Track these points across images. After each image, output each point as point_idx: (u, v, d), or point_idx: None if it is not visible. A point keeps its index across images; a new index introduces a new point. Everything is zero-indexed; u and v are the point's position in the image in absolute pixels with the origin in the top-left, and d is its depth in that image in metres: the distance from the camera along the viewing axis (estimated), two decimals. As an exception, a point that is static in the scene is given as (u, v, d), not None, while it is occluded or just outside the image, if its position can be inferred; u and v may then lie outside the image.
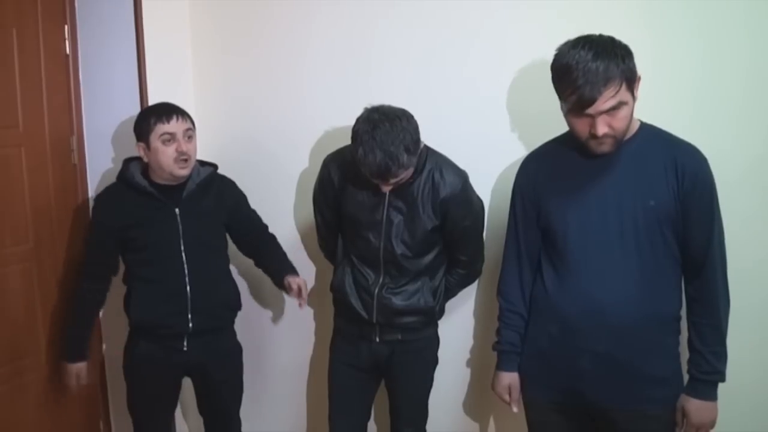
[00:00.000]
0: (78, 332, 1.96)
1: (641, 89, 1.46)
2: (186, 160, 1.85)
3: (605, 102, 1.37)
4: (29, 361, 2.02)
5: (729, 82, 1.69)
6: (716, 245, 1.49)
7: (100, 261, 1.91)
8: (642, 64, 1.44)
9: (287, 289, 2.00)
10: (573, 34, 1.45)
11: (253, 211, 2.10)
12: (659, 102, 1.66)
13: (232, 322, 2.07)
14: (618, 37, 1.43)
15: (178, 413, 2.27)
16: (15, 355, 1.97)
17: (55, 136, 2.09)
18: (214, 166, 2.01)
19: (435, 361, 1.94)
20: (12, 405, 1.97)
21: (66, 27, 2.11)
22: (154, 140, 1.82)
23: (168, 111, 1.84)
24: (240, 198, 2.07)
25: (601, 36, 1.42)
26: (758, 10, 1.64)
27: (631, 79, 1.40)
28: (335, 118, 2.08)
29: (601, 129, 1.40)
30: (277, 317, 2.33)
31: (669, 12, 1.71)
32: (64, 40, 2.11)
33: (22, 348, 1.99)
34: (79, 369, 1.93)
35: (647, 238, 1.48)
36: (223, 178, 2.04)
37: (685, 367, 1.54)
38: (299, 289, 1.97)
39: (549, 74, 1.48)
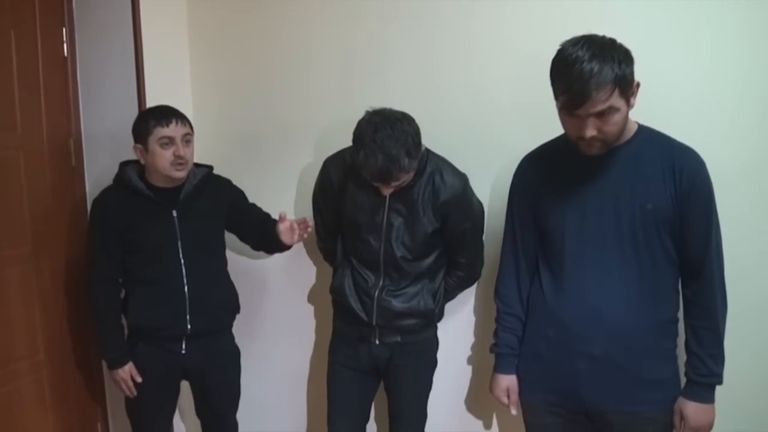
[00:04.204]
0: (110, 340, 1.90)
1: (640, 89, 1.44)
2: (183, 164, 1.85)
3: (594, 106, 1.35)
4: (27, 364, 2.01)
5: (725, 81, 1.69)
6: (714, 248, 1.49)
7: (107, 264, 1.89)
8: (638, 63, 1.42)
9: (280, 229, 1.93)
10: (572, 36, 1.43)
11: (253, 205, 2.09)
12: (656, 102, 1.65)
13: (231, 325, 2.07)
14: (616, 36, 1.41)
15: (176, 415, 2.27)
16: (13, 358, 1.97)
17: (53, 139, 2.08)
18: (210, 168, 2.01)
19: (434, 363, 1.95)
20: (10, 407, 1.96)
21: (64, 29, 2.11)
22: (152, 143, 1.82)
23: (167, 115, 1.84)
24: (237, 195, 2.06)
25: (603, 38, 1.39)
26: (756, 11, 1.65)
27: (625, 86, 1.37)
28: (334, 118, 2.09)
29: (589, 132, 1.39)
30: (277, 319, 2.33)
31: (666, 11, 1.72)
32: (62, 42, 2.11)
33: (20, 350, 1.99)
34: (125, 372, 1.89)
35: (644, 241, 1.48)
36: (219, 178, 2.04)
37: (682, 369, 1.55)
38: (290, 224, 1.93)
39: (548, 76, 1.48)
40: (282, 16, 2.15)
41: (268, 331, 2.33)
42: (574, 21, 1.51)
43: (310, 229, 1.94)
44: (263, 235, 2.03)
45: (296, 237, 1.94)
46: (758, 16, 1.65)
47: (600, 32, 1.41)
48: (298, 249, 2.23)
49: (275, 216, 2.00)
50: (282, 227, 1.93)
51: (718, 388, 1.52)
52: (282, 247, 2.00)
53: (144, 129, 1.83)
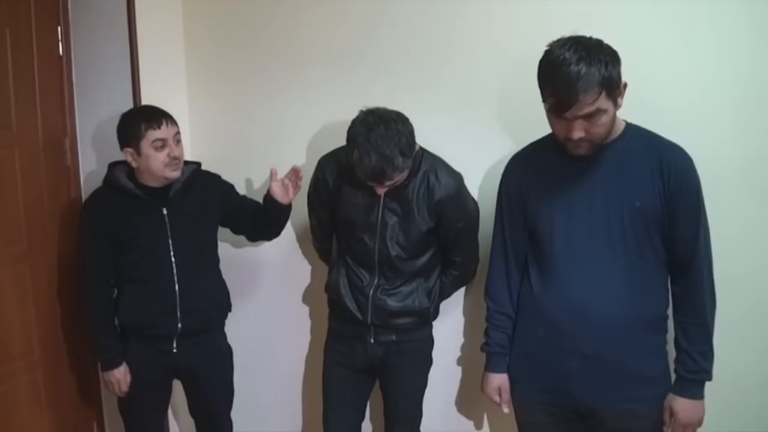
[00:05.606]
0: (104, 341, 1.90)
1: (639, 90, 1.45)
2: (177, 164, 1.86)
3: (582, 108, 1.37)
4: (22, 363, 2.01)
5: (727, 82, 1.70)
6: (702, 245, 1.50)
7: (99, 266, 1.90)
8: (640, 64, 1.43)
9: (274, 190, 1.94)
10: (563, 36, 1.44)
11: (243, 197, 2.09)
12: (657, 103, 1.67)
13: (222, 323, 2.07)
14: (616, 36, 1.42)
15: (169, 414, 2.27)
16: (8, 357, 1.96)
17: (49, 138, 2.08)
18: (198, 164, 2.01)
19: (429, 362, 1.96)
20: (5, 407, 1.95)
21: (59, 28, 2.10)
22: (146, 147, 1.82)
23: (156, 116, 1.84)
24: (227, 188, 2.06)
25: (590, 39, 1.40)
26: (758, 12, 1.65)
27: (612, 87, 1.38)
28: (329, 118, 2.10)
29: (576, 133, 1.41)
30: (272, 317, 2.33)
31: (667, 12, 1.72)
32: (58, 41, 2.10)
33: (15, 350, 1.98)
34: (120, 374, 1.90)
35: (633, 239, 1.49)
36: (207, 173, 2.04)
37: (672, 366, 1.56)
38: (281, 182, 1.93)
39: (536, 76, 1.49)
40: (277, 15, 2.16)
41: (263, 330, 2.34)
42: (568, 21, 1.51)
43: (301, 181, 1.94)
44: (258, 216, 2.03)
45: (291, 192, 1.95)
46: (762, 15, 1.65)
47: (598, 31, 1.42)
48: (294, 248, 2.25)
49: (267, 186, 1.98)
50: (275, 187, 1.93)
51: (717, 389, 1.53)
52: (280, 216, 2.00)
53: (134, 133, 1.82)
